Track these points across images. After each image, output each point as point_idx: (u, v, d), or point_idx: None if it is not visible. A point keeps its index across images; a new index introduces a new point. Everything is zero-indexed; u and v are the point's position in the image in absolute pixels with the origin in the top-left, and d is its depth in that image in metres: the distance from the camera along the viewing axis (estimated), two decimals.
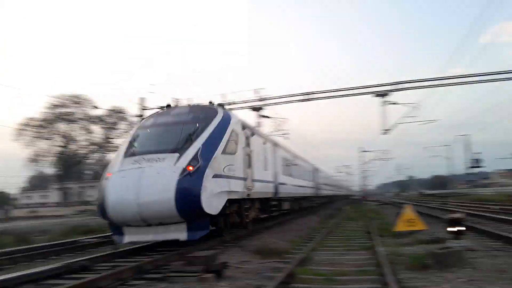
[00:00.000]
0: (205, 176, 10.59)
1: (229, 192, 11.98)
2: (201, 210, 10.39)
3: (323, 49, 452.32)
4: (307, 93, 31.82)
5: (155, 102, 38.84)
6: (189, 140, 11.25)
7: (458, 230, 9.44)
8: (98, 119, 70.42)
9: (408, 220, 13.98)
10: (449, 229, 9.47)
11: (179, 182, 10.16)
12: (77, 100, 67.75)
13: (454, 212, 10.83)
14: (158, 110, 30.28)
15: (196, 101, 31.35)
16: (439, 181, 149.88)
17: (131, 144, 12.08)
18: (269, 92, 39.88)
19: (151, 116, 14.93)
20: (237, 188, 12.78)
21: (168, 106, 15.00)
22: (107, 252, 10.99)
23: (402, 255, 9.60)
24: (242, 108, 32.94)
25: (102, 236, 16.59)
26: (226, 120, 12.57)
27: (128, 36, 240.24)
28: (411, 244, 11.51)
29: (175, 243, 11.17)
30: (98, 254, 10.73)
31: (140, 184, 10.18)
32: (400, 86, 29.86)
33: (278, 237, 15.44)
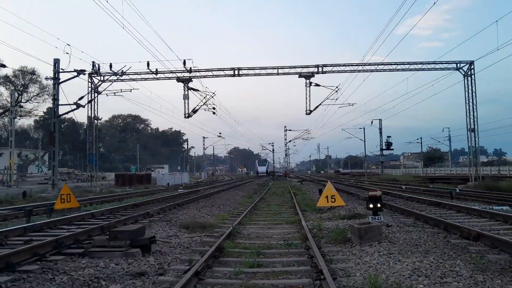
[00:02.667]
0: None
1: None
2: None
3: (253, 27, 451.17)
4: (235, 68, 31.80)
5: (72, 64, 35.94)
6: None
7: (376, 207, 10.11)
8: (5, 80, 63.17)
9: (329, 196, 14.73)
10: (370, 205, 10.08)
11: None
12: None
13: (373, 190, 11.53)
14: (74, 73, 28.26)
15: (117, 65, 29.68)
16: (353, 161, 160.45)
17: None
18: (197, 64, 39.15)
19: None
20: None
21: None
22: (21, 226, 10.04)
23: (325, 229, 10.08)
24: (169, 78, 31.90)
25: (12, 208, 15.20)
26: None
27: None
28: (333, 219, 12.15)
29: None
30: (10, 228, 9.76)
31: None
32: (324, 69, 31.19)
33: (205, 211, 15.39)
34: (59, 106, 28.02)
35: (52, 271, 6.02)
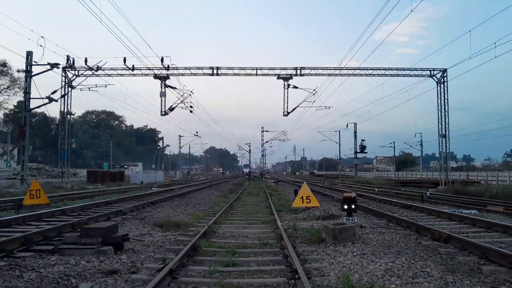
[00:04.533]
0: None
1: None
2: None
3: (233, 28, 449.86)
4: (214, 68, 31.68)
5: (46, 58, 34.91)
6: None
7: (350, 208, 10.25)
8: None
9: (304, 197, 14.84)
10: (345, 206, 10.21)
11: None
12: None
13: (348, 191, 11.69)
14: (48, 67, 27.42)
15: (92, 60, 29.06)
16: (328, 163, 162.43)
17: None
18: (176, 62, 38.63)
19: None
20: None
21: None
22: None
23: (299, 229, 10.14)
24: (146, 75, 31.42)
25: None
26: None
27: None
28: (308, 219, 12.24)
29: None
30: None
31: None
32: (302, 71, 31.50)
33: (180, 210, 15.23)
34: (31, 100, 27.16)
35: (20, 267, 5.81)
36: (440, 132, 30.86)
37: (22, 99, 31.86)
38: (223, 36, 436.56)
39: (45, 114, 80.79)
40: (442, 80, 30.67)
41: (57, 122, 65.64)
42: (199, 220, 12.24)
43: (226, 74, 31.94)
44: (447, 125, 30.55)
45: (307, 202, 14.78)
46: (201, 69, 31.56)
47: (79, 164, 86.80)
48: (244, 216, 13.75)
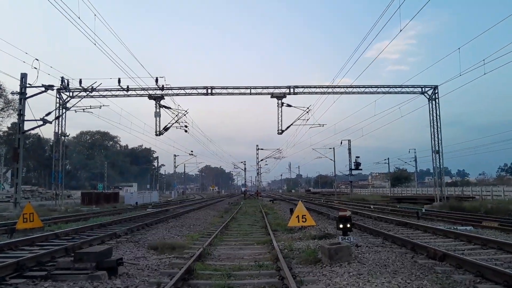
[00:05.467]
0: None
1: None
2: None
3: (227, 50, 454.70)
4: (208, 87, 31.92)
5: (40, 79, 34.97)
6: None
7: (346, 227, 10.25)
8: None
9: (300, 216, 14.80)
10: (340, 226, 10.21)
11: None
12: None
13: (343, 210, 11.69)
14: (42, 89, 27.51)
15: (87, 81, 29.20)
16: (323, 180, 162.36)
17: None
18: (170, 82, 38.91)
19: None
20: None
21: None
22: None
23: (295, 249, 10.09)
24: (140, 96, 31.58)
25: None
26: None
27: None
28: (304, 239, 12.17)
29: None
30: None
31: None
32: (295, 90, 31.82)
33: (175, 232, 15.10)
34: (25, 122, 27.06)
35: None
36: (433, 148, 31.08)
37: (16, 120, 31.83)
38: (217, 56, 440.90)
39: (39, 135, 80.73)
40: (433, 96, 31.06)
41: (51, 144, 65.48)
42: (194, 241, 12.14)
43: (220, 94, 32.16)
44: (440, 141, 30.81)
45: (302, 221, 14.72)
46: (196, 88, 31.78)
47: (73, 186, 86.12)
48: (239, 237, 13.65)
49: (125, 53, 26.54)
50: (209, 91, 31.69)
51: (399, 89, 31.47)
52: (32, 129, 28.89)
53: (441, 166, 31.55)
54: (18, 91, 26.89)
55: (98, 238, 11.74)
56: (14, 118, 53.20)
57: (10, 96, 52.42)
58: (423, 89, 31.30)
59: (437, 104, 30.94)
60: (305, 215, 14.84)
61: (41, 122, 27.28)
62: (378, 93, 31.72)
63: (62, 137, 30.75)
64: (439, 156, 30.95)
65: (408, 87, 31.39)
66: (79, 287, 6.30)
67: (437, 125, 30.89)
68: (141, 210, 28.33)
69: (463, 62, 24.51)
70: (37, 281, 6.64)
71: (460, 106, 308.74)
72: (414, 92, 31.52)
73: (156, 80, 29.79)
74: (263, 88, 32.09)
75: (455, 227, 14.86)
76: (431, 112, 31.13)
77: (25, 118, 27.04)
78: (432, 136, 31.04)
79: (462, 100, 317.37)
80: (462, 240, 11.21)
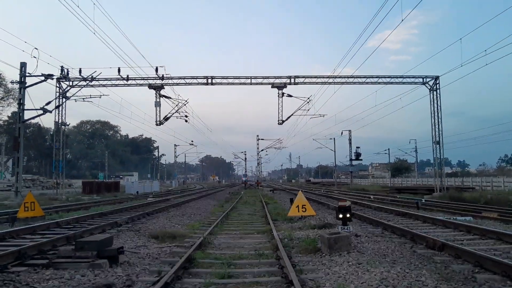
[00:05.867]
0: None
1: None
2: None
3: (227, 37, 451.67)
4: (209, 77, 31.80)
5: (40, 69, 34.83)
6: None
7: (345, 217, 10.28)
8: None
9: (300, 206, 14.85)
10: (340, 215, 10.24)
11: None
12: None
13: (343, 200, 11.73)
14: (42, 78, 27.39)
15: (87, 70, 29.09)
16: (324, 171, 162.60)
17: None
18: (170, 72, 38.83)
19: None
20: None
21: None
22: None
23: (295, 239, 10.14)
24: (140, 85, 31.47)
25: None
26: None
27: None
28: (303, 229, 12.23)
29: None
30: None
31: None
32: (296, 80, 31.69)
33: (176, 221, 15.18)
34: (25, 111, 27.05)
35: (14, 283, 5.78)
36: (434, 139, 31.07)
37: (16, 110, 31.76)
38: (217, 45, 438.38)
39: (40, 125, 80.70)
40: (434, 87, 30.95)
41: (51, 133, 65.47)
42: (195, 230, 12.21)
43: (220, 83, 32.06)
44: (440, 132, 30.80)
45: (302, 210, 14.78)
46: (196, 78, 31.66)
47: (74, 175, 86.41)
48: (240, 226, 13.72)
49: (125, 43, 26.47)
50: (209, 80, 31.58)
51: (400, 80, 31.34)
52: (32, 118, 28.91)
53: (442, 157, 31.58)
54: (18, 80, 26.84)
55: (99, 227, 11.81)
56: (14, 107, 53.16)
57: (9, 85, 52.34)
58: (424, 79, 31.19)
59: (438, 95, 30.86)
60: (305, 205, 14.88)
61: (41, 112, 27.26)
62: (379, 83, 31.60)
63: (63, 126, 30.76)
64: (439, 146, 30.97)
65: (409, 78, 31.26)
66: (81, 275, 6.35)
67: (438, 116, 30.84)
68: (142, 199, 28.43)
69: (464, 52, 24.43)
70: (39, 269, 6.70)
71: (461, 96, 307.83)
72: (415, 83, 31.42)
73: (156, 70, 29.68)
74: (263, 78, 31.97)
75: (454, 217, 14.92)
76: (432, 102, 31.06)
77: (25, 108, 27.03)
78: (433, 127, 31.02)
79: (463, 90, 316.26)
80: (461, 230, 11.25)
